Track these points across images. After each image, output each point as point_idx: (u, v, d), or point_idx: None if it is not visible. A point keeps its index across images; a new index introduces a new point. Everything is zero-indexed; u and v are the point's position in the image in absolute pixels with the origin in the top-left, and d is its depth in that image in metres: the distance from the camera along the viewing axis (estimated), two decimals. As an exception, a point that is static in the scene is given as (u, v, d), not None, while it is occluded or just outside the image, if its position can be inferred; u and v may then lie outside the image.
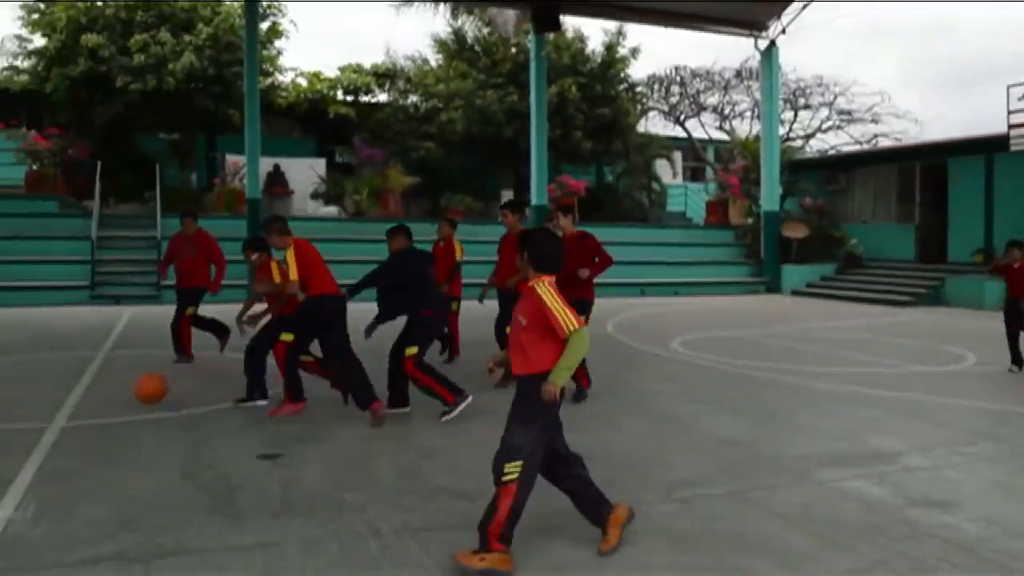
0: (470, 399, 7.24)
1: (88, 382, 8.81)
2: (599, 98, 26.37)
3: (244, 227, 18.75)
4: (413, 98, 27.05)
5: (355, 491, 5.27)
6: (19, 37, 23.68)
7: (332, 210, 22.83)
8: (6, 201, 19.80)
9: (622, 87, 27.76)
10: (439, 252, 9.88)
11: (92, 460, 5.99)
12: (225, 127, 24.02)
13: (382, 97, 27.79)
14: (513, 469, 4.15)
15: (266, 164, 21.30)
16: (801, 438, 6.90)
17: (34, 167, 21.30)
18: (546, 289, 4.20)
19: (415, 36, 50.96)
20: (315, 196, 23.47)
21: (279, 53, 25.35)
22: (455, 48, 27.12)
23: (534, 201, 21.08)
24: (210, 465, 5.80)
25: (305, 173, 23.60)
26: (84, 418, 7.21)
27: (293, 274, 7.23)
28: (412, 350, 7.23)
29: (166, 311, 15.89)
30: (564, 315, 4.11)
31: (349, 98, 27.46)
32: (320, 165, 24.56)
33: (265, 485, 5.37)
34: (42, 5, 22.84)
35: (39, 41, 23.24)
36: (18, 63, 23.88)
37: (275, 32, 24.63)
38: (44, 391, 8.25)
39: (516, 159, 25.27)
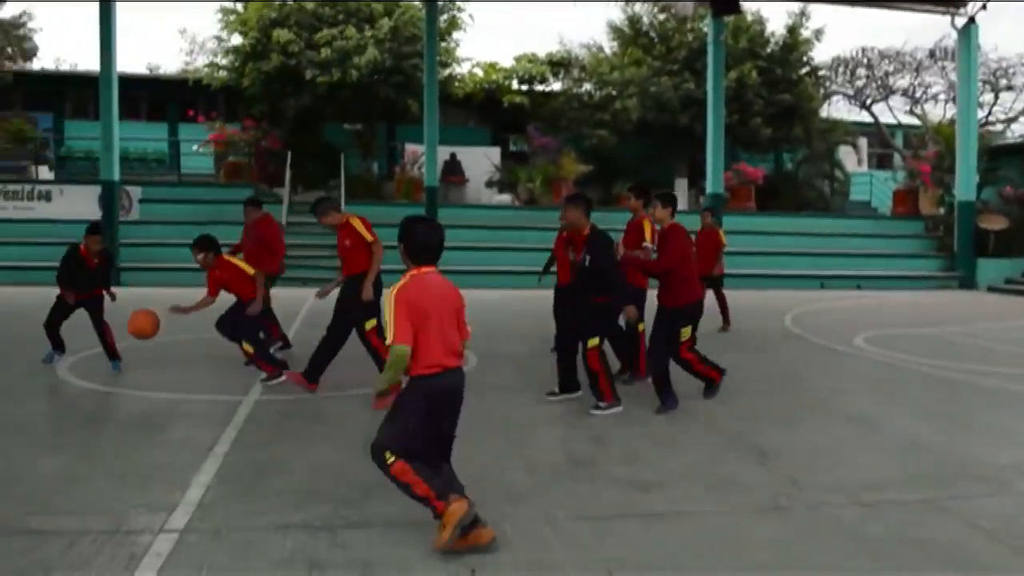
0: (620, 409, 7.09)
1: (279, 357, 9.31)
2: (779, 82, 25.45)
3: (422, 214, 19.32)
4: (587, 86, 26.99)
5: (529, 476, 5.32)
6: (218, 38, 25.34)
7: (506, 198, 23.17)
8: (206, 189, 21.29)
9: (804, 71, 26.68)
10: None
11: (282, 432, 6.34)
12: (405, 117, 24.81)
13: (556, 86, 27.89)
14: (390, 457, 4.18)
15: (443, 153, 21.88)
16: (1002, 446, 6.41)
17: (230, 157, 22.82)
18: (392, 294, 4.05)
19: (590, 24, 50.65)
20: (489, 184, 23.89)
21: (456, 45, 25.92)
22: (630, 35, 26.87)
23: (709, 189, 20.60)
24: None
25: (480, 162, 24.05)
26: (274, 393, 7.63)
27: (370, 236, 7.54)
28: (595, 341, 7.06)
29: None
30: (389, 326, 4.01)
31: (524, 87, 27.73)
32: (495, 154, 24.96)
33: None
34: (239, 7, 24.31)
35: (235, 40, 24.74)
36: (218, 60, 25.54)
37: (453, 25, 25.18)
38: (239, 367, 8.79)
39: (691, 146, 24.78)
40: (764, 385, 8.46)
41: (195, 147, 23.39)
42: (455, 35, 25.55)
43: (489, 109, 27.93)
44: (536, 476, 5.35)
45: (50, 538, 4.19)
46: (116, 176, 18.73)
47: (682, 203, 22.03)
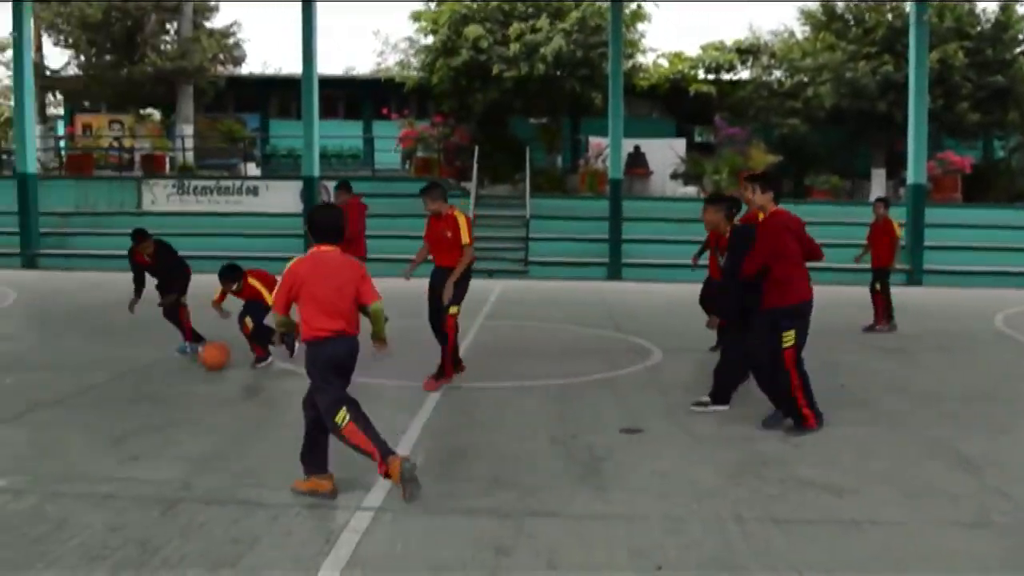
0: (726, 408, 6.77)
1: (466, 348, 9.54)
2: (990, 64, 23.57)
3: (606, 207, 19.29)
4: (777, 73, 26.09)
5: (716, 474, 5.21)
6: (409, 39, 26.28)
7: (691, 190, 22.71)
8: (398, 183, 22.12)
9: (1019, 50, 24.60)
10: None
11: (470, 420, 6.50)
12: (589, 111, 24.83)
13: (744, 74, 27.11)
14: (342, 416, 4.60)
15: (627, 145, 21.69)
16: None
17: (419, 152, 23.63)
18: (287, 267, 4.71)
19: (780, 10, 48.85)
20: (674, 176, 23.50)
21: (642, 36, 25.66)
22: (823, 19, 25.70)
23: (910, 179, 19.36)
24: (575, 435, 6.03)
25: (664, 154, 23.68)
26: (463, 381, 7.82)
27: (468, 238, 7.34)
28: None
29: (534, 285, 17.04)
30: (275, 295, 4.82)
31: (710, 76, 27.10)
32: (679, 145, 24.51)
33: (628, 459, 5.48)
34: (432, 5, 25.08)
35: (427, 39, 25.52)
36: (409, 59, 26.47)
37: (638, 16, 24.94)
38: (426, 354, 9.07)
39: (890, 134, 23.42)
40: (969, 390, 7.89)
41: (394, 148, 24.37)
42: (640, 26, 25.30)
43: (674, 100, 27.48)
44: (722, 474, 5.22)
45: (257, 509, 4.48)
46: (316, 172, 19.79)
47: (881, 194, 20.90)
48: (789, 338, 6.02)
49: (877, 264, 11.35)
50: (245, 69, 32.05)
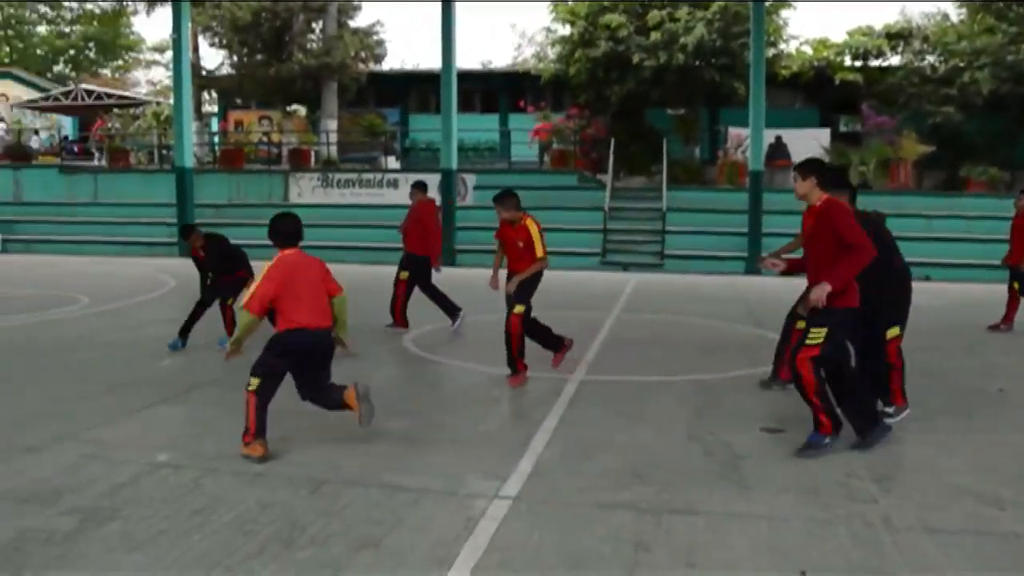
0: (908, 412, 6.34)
1: (601, 340, 9.53)
2: None
3: (746, 199, 18.81)
4: (930, 59, 24.76)
5: (863, 478, 4.99)
6: (547, 29, 26.33)
7: (835, 182, 21.88)
8: (535, 175, 22.25)
9: None
10: None
11: (608, 412, 6.46)
12: (729, 100, 24.29)
13: (894, 60, 25.86)
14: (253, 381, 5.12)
15: (768, 136, 21.06)
16: None
17: (555, 145, 23.66)
18: (262, 271, 5.24)
19: (934, -9, 46.38)
20: (817, 168, 22.70)
21: (785, 23, 24.88)
22: (981, 0, 24.24)
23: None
24: (713, 431, 5.91)
25: (807, 144, 22.79)
26: (599, 373, 7.80)
27: (541, 249, 7.34)
28: (893, 331, 6.29)
29: (670, 279, 16.84)
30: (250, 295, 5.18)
31: (857, 63, 25.97)
32: (824, 135, 23.63)
33: (769, 459, 5.32)
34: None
35: (564, 30, 25.52)
36: (547, 51, 26.53)
37: (782, 2, 24.22)
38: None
39: (1058, 122, 21.93)
40: None
41: (528, 142, 24.52)
42: (783, 13, 24.54)
43: (818, 88, 26.49)
44: (869, 478, 5.00)
45: (399, 492, 4.59)
46: (454, 165, 20.14)
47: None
48: (816, 336, 5.32)
49: (1011, 261, 10.57)
50: (385, 65, 32.90)
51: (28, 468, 4.93)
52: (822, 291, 5.20)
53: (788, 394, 7.10)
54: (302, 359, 5.25)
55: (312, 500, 4.49)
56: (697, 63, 23.15)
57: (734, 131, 22.95)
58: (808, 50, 26.48)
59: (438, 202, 19.61)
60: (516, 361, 7.38)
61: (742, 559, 3.88)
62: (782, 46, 25.41)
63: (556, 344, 7.83)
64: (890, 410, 6.26)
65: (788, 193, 20.80)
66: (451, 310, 9.96)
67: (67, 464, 5.00)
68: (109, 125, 28.10)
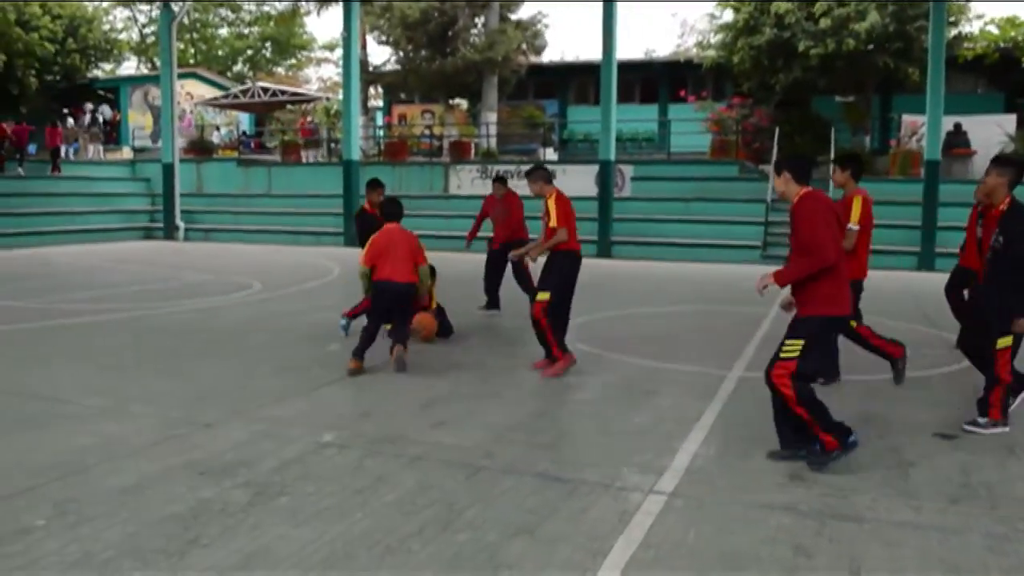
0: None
1: (762, 336, 9.25)
2: None
3: (920, 191, 17.78)
4: None
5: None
6: (711, 15, 25.75)
7: (1019, 172, 20.35)
8: (694, 166, 21.83)
9: None
10: None
11: (767, 411, 6.20)
12: (902, 87, 23.05)
13: (1094, 39, 23.82)
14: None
15: (946, 123, 19.81)
16: None
17: (718, 135, 23.10)
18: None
19: None
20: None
21: (968, 1, 23.34)
22: None
23: None
24: (881, 435, 5.63)
25: (990, 132, 21.35)
26: (758, 370, 7.53)
27: (555, 220, 7.24)
28: (1005, 342, 5.72)
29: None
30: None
31: (1050, 44, 24.08)
32: (1009, 122, 21.98)
33: (942, 467, 5.02)
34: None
35: (727, 16, 24.89)
36: (709, 39, 25.95)
37: (966, -20, 22.77)
38: (724, 341, 8.90)
39: None
40: None
41: (703, 130, 23.93)
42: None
43: (1004, 71, 24.70)
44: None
45: (554, 484, 4.61)
46: (612, 156, 20.01)
47: None
48: (791, 348, 4.90)
49: None
50: (545, 57, 33.08)
51: (205, 442, 5.27)
52: (763, 281, 5.00)
53: (963, 400, 6.69)
54: (385, 302, 7.30)
55: (469, 485, 4.58)
56: (868, 49, 22.04)
57: (908, 118, 21.71)
58: (994, 30, 24.70)
59: (595, 193, 19.71)
60: (551, 347, 7.28)
61: (911, 572, 3.68)
62: (964, 26, 23.82)
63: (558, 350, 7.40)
64: (982, 420, 5.75)
65: (966, 184, 19.63)
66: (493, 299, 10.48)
67: (240, 440, 5.32)
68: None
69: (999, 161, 5.94)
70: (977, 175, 20.75)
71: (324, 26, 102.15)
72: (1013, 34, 24.40)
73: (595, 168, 20.30)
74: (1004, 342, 5.68)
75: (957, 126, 21.31)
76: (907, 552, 3.86)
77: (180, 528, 3.96)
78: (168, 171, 23.67)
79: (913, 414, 6.21)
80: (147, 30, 48.65)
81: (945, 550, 3.88)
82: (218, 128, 31.96)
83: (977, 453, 5.30)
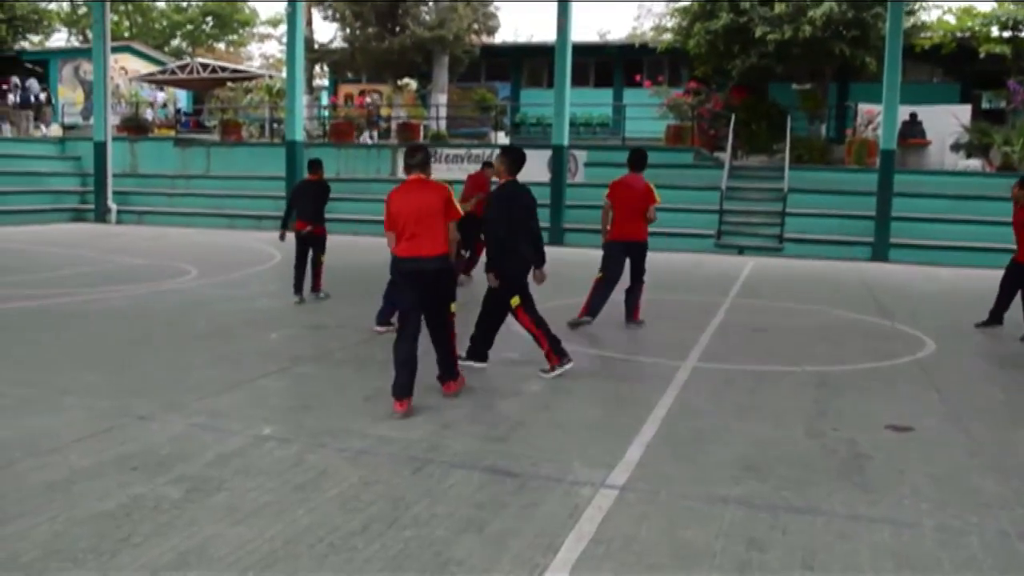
0: None
1: (716, 325, 9.22)
2: None
3: (875, 180, 17.93)
4: (1090, 28, 23.01)
5: (999, 483, 4.63)
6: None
7: (975, 163, 20.60)
8: (649, 153, 21.70)
9: None
10: None
11: (721, 402, 6.20)
12: (859, 75, 23.21)
13: (1049, 30, 24.14)
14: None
15: (902, 113, 20.00)
16: None
17: (674, 121, 23.02)
18: None
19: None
20: (955, 148, 21.37)
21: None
22: None
23: None
24: (836, 427, 5.59)
25: (945, 122, 21.60)
26: (712, 361, 7.52)
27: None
28: None
29: (789, 264, 16.24)
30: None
31: (1006, 34, 24.29)
32: (964, 112, 22.25)
33: (895, 459, 4.99)
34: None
35: (685, 1, 24.81)
36: (665, 23, 25.87)
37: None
38: (677, 330, 8.83)
39: None
40: None
41: (659, 115, 23.78)
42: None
43: (960, 61, 24.94)
44: (1008, 484, 4.62)
45: (504, 478, 4.48)
46: (565, 141, 19.82)
47: None
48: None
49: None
50: (498, 38, 32.73)
51: (139, 436, 5.04)
52: None
53: (919, 390, 6.71)
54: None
55: (415, 480, 4.43)
56: (825, 36, 22.12)
57: (865, 107, 21.83)
58: (951, 19, 24.95)
59: (547, 179, 19.55)
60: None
61: (864, 565, 3.62)
62: (921, 16, 24.02)
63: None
64: None
65: (922, 175, 19.75)
66: None
67: (176, 433, 5.10)
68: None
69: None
70: (932, 165, 21.14)
71: (268, 1, 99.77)
72: (970, 24, 24.63)
73: (548, 153, 20.07)
74: None
75: (913, 116, 21.52)
76: (860, 546, 3.81)
77: (111, 526, 3.76)
78: (100, 150, 22.79)
79: (867, 406, 6.18)
80: (79, 0, 47.05)
81: (898, 543, 3.84)
82: (152, 105, 30.95)
83: (931, 446, 5.28)
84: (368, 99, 28.66)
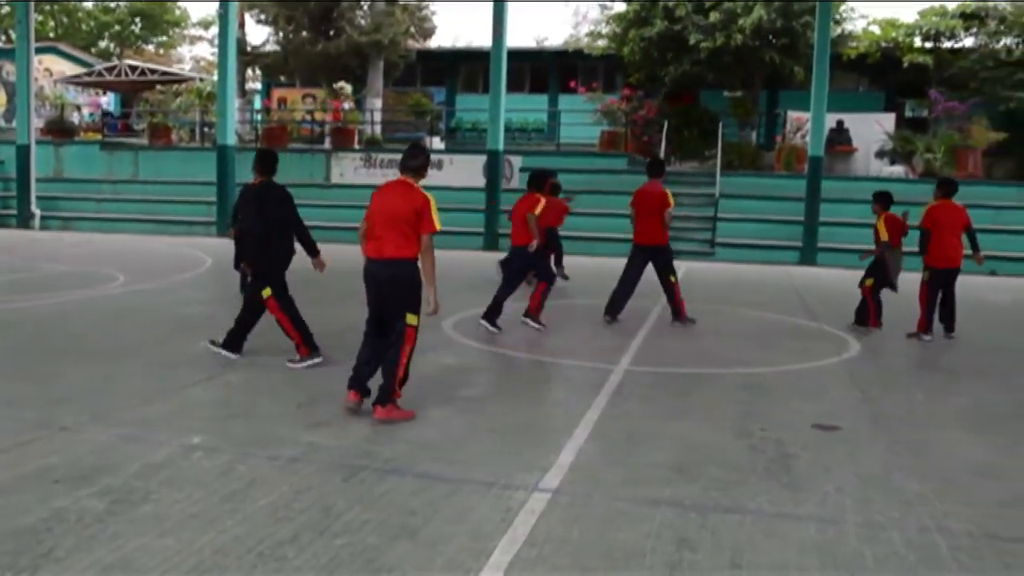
0: None
1: (648, 329, 9.33)
2: None
3: (803, 186, 18.33)
4: (1006, 40, 23.84)
5: (919, 480, 4.76)
6: (603, 5, 25.94)
7: (898, 170, 21.20)
8: (583, 158, 21.93)
9: None
10: None
11: (652, 405, 6.28)
12: (788, 83, 23.75)
13: (968, 42, 24.98)
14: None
15: (829, 120, 20.50)
16: None
17: (608, 127, 23.24)
18: None
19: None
20: (880, 154, 21.99)
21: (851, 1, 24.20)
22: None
23: None
24: (764, 427, 5.70)
25: (870, 129, 22.22)
26: (644, 364, 7.60)
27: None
28: None
29: (720, 268, 16.50)
30: None
31: (928, 45, 25.11)
32: (888, 120, 22.89)
33: (821, 458, 5.10)
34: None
35: (620, 7, 25.10)
36: (600, 29, 26.10)
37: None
38: (610, 335, 8.91)
39: None
40: None
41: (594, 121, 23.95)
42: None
43: (884, 71, 25.72)
44: (928, 482, 4.76)
45: (436, 482, 4.47)
46: (500, 146, 19.85)
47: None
48: None
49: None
50: (434, 43, 32.65)
51: (62, 448, 4.89)
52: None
53: (844, 390, 6.88)
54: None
55: (347, 487, 4.39)
56: (756, 44, 22.58)
57: (794, 115, 22.33)
58: (876, 30, 25.68)
59: (482, 184, 19.58)
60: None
61: (790, 562, 3.70)
62: (847, 26, 24.68)
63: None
64: None
65: (848, 181, 20.23)
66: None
67: (101, 444, 4.96)
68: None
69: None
70: (858, 172, 21.68)
71: (199, 2, 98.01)
72: (894, 34, 25.41)
73: (483, 158, 20.08)
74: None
75: (840, 123, 22.06)
76: (787, 543, 3.89)
77: (32, 541, 3.64)
78: (23, 153, 22.05)
79: (794, 406, 6.32)
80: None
81: (823, 540, 3.93)
82: (79, 108, 30.10)
83: (856, 445, 5.42)
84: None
